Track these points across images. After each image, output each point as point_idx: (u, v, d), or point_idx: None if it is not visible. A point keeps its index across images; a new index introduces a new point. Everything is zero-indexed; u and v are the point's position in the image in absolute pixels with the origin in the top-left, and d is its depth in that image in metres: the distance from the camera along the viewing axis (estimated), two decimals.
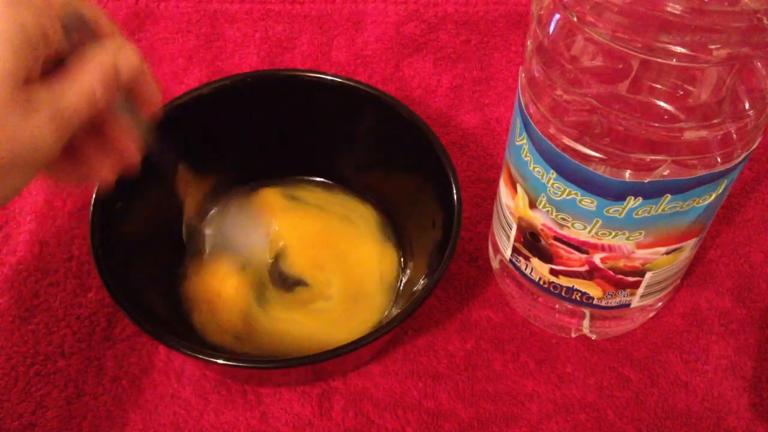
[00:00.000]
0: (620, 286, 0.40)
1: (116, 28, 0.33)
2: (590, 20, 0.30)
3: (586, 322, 0.44)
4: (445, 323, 0.46)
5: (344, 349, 0.36)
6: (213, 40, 0.60)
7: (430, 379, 0.43)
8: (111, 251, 0.39)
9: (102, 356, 0.44)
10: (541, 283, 0.42)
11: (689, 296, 0.47)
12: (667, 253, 0.38)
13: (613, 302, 0.41)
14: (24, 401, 0.42)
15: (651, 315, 0.46)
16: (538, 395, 0.43)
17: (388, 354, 0.44)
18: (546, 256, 0.40)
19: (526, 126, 0.36)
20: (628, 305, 0.42)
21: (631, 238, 0.36)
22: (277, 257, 0.46)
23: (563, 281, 0.41)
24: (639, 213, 0.35)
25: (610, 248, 0.37)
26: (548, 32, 0.34)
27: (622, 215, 0.35)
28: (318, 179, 0.50)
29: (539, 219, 0.38)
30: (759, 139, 0.34)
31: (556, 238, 0.38)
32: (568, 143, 0.34)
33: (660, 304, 0.45)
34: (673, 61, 0.29)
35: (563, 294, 0.42)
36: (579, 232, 0.37)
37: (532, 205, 0.38)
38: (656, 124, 0.32)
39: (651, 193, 0.34)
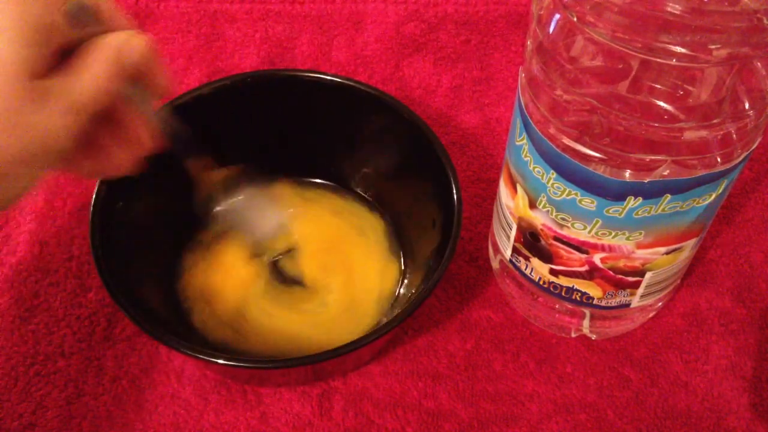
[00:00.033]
0: (620, 286, 0.40)
1: (124, 17, 0.33)
2: (590, 20, 0.30)
3: (586, 322, 0.44)
4: (445, 323, 0.46)
5: (344, 349, 0.36)
6: (213, 40, 0.60)
7: (430, 379, 0.43)
8: (111, 251, 0.39)
9: (102, 356, 0.44)
10: (541, 283, 0.42)
11: (689, 296, 0.47)
12: (667, 253, 0.38)
13: (613, 302, 0.41)
14: (24, 401, 0.42)
15: (651, 315, 0.46)
16: (538, 395, 0.43)
17: (388, 354, 0.44)
18: (546, 256, 0.40)
19: (526, 126, 0.36)
20: (628, 305, 0.42)
21: (631, 238, 0.36)
22: (287, 251, 0.46)
23: (563, 281, 0.41)
24: (639, 213, 0.35)
25: (610, 248, 0.37)
26: (548, 32, 0.34)
27: (622, 215, 0.35)
28: (329, 183, 0.50)
29: (539, 219, 0.38)
30: (759, 139, 0.34)
31: (556, 238, 0.38)
32: (568, 143, 0.34)
33: (660, 304, 0.45)
34: (673, 61, 0.29)
35: (563, 294, 0.42)
36: (579, 232, 0.37)
37: (532, 205, 0.38)
38: (656, 124, 0.32)
39: (651, 193, 0.34)
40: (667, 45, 0.29)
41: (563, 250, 0.39)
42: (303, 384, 0.43)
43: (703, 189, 0.34)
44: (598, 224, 0.36)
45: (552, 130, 0.35)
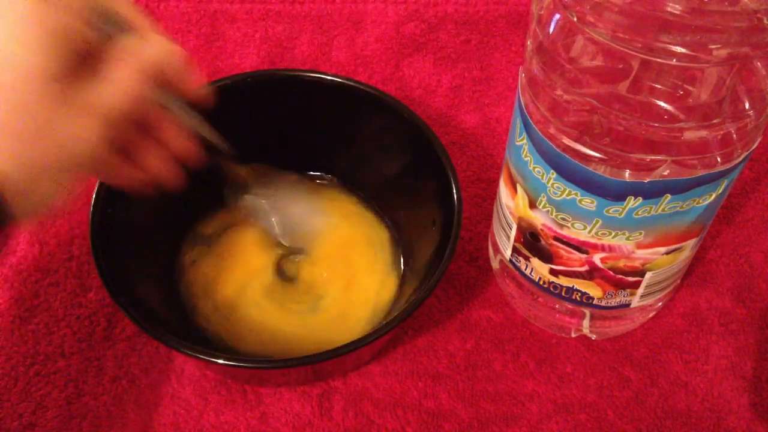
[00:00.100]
0: (620, 286, 0.40)
1: (150, 21, 0.33)
2: (590, 20, 0.30)
3: (586, 322, 0.44)
4: (445, 323, 0.46)
5: (344, 349, 0.36)
6: (213, 40, 0.60)
7: (430, 379, 0.43)
8: (111, 251, 0.39)
9: (102, 356, 0.44)
10: (541, 283, 0.42)
11: (689, 296, 0.47)
12: (667, 253, 0.38)
13: (613, 302, 0.41)
14: (24, 401, 0.42)
15: (651, 315, 0.46)
16: (538, 395, 0.43)
17: (388, 354, 0.44)
18: (546, 256, 0.40)
19: (526, 126, 0.36)
20: (628, 305, 0.42)
21: (631, 238, 0.36)
22: (299, 249, 0.46)
23: (563, 281, 0.41)
24: (639, 213, 0.35)
25: (610, 248, 0.37)
26: (548, 32, 0.34)
27: (622, 215, 0.35)
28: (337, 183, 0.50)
29: (539, 219, 0.38)
30: (759, 139, 0.34)
31: (556, 238, 0.38)
32: (568, 143, 0.34)
33: (660, 304, 0.45)
34: (673, 61, 0.29)
35: (563, 294, 0.42)
36: (579, 232, 0.37)
37: (532, 205, 0.38)
38: (656, 124, 0.32)
39: (651, 193, 0.34)
40: (667, 45, 0.29)
41: (563, 250, 0.39)
42: (303, 384, 0.43)
43: (703, 189, 0.34)
44: (598, 224, 0.36)
45: (552, 130, 0.35)
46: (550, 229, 0.38)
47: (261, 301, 0.44)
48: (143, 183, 0.36)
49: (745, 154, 0.34)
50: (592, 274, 0.39)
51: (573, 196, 0.35)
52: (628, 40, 0.29)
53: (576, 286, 0.41)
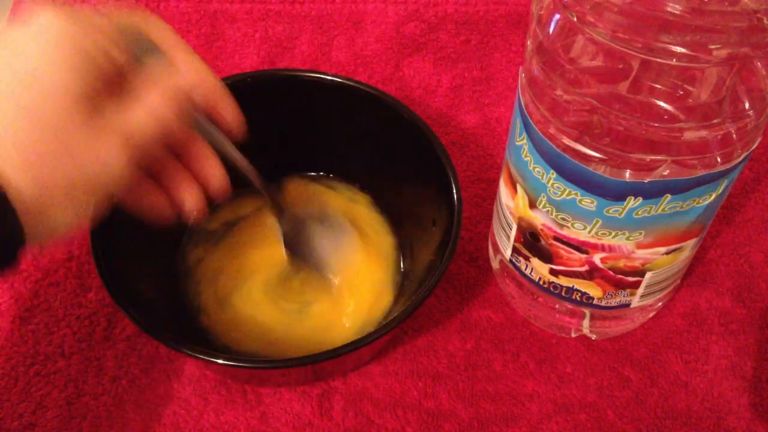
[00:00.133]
0: (620, 286, 0.40)
1: (185, 44, 0.32)
2: (590, 20, 0.30)
3: (586, 322, 0.44)
4: (445, 323, 0.46)
5: (344, 349, 0.36)
6: (213, 40, 0.60)
7: (430, 379, 0.43)
8: (111, 251, 0.39)
9: (102, 356, 0.44)
10: (541, 283, 0.42)
11: (689, 296, 0.47)
12: (667, 253, 0.38)
13: (613, 302, 0.41)
14: (24, 401, 0.42)
15: (651, 315, 0.46)
16: (538, 395, 0.43)
17: (388, 354, 0.44)
18: (546, 256, 0.40)
19: (526, 126, 0.36)
20: (628, 305, 0.42)
21: (631, 238, 0.36)
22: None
23: (563, 281, 0.41)
24: (639, 213, 0.35)
25: (610, 248, 0.37)
26: (548, 32, 0.34)
27: (622, 215, 0.35)
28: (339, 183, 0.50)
29: (539, 219, 0.38)
30: (759, 139, 0.34)
31: (556, 238, 0.38)
32: (568, 143, 0.34)
33: (660, 304, 0.45)
34: (673, 61, 0.29)
35: (563, 294, 0.42)
36: (579, 232, 0.37)
37: (532, 205, 0.38)
38: (656, 124, 0.32)
39: (651, 193, 0.34)
40: (667, 45, 0.29)
41: (563, 250, 0.39)
42: (303, 384, 0.43)
43: (703, 189, 0.34)
44: (598, 224, 0.36)
45: (552, 130, 0.35)
46: (550, 229, 0.38)
47: (256, 296, 0.44)
48: (168, 213, 0.35)
49: (745, 154, 0.34)
50: (592, 274, 0.39)
51: (573, 196, 0.35)
52: (628, 40, 0.29)
53: (576, 286, 0.41)
